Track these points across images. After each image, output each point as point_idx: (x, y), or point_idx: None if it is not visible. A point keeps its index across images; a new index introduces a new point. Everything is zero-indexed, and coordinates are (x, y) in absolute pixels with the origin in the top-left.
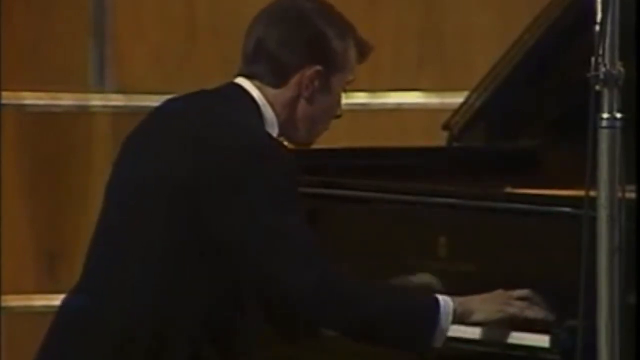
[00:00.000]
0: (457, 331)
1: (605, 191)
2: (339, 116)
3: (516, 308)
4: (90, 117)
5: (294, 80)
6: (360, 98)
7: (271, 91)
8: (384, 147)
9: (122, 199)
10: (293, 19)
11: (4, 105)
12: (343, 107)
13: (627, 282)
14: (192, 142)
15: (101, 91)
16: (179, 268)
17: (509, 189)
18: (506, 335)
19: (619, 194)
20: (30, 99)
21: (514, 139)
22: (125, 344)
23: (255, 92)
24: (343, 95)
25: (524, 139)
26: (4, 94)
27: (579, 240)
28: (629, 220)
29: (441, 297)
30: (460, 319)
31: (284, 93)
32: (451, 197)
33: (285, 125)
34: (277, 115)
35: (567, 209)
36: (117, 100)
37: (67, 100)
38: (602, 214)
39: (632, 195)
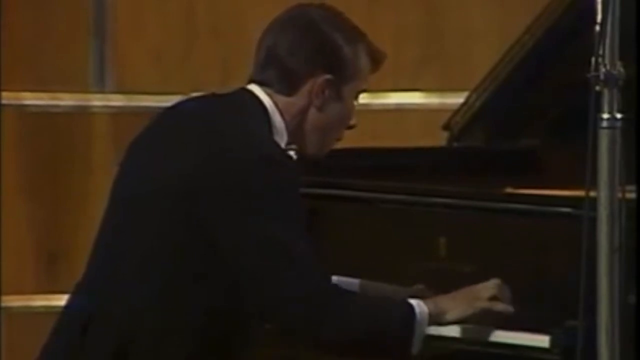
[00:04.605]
0: (455, 331)
1: (605, 191)
2: (351, 127)
3: (486, 303)
4: (90, 117)
5: (304, 88)
6: (360, 98)
7: (282, 99)
8: (384, 147)
9: (126, 199)
10: (302, 27)
11: (4, 105)
12: None
13: (627, 282)
14: (198, 147)
15: (101, 91)
16: (178, 270)
17: (509, 189)
18: (489, 332)
19: (619, 194)
20: (30, 99)
21: (514, 139)
22: (124, 344)
23: (266, 99)
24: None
25: (524, 139)
26: (4, 94)
27: (579, 240)
28: (629, 220)
29: (415, 303)
30: (435, 320)
31: (295, 101)
32: (451, 197)
33: (295, 135)
34: (286, 123)
35: (567, 209)
36: (117, 100)
37: (67, 100)
38: (602, 214)
39: (632, 195)
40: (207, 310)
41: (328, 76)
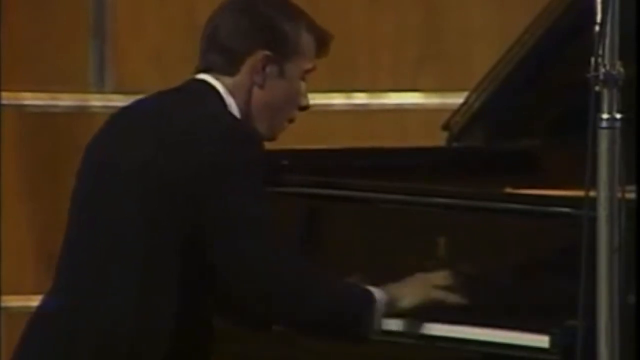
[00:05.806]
0: (451, 331)
1: (604, 191)
2: (304, 108)
3: (439, 293)
4: (90, 117)
5: (245, 67)
6: (360, 98)
7: (228, 80)
8: (384, 147)
9: (95, 200)
10: (242, 8)
11: (4, 105)
12: (343, 107)
13: (627, 282)
14: (167, 138)
15: (101, 91)
16: (157, 265)
17: (509, 189)
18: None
19: (619, 194)
20: (30, 99)
21: (514, 139)
22: (105, 343)
23: (216, 84)
24: (344, 95)
25: (524, 139)
26: (4, 94)
27: (579, 240)
28: (628, 220)
29: (374, 289)
30: (390, 307)
31: (239, 80)
32: (451, 197)
33: (245, 115)
34: (237, 104)
35: (567, 209)
36: (116, 100)
37: (66, 100)
38: (602, 214)
39: (632, 195)
40: (187, 304)
41: (266, 52)
